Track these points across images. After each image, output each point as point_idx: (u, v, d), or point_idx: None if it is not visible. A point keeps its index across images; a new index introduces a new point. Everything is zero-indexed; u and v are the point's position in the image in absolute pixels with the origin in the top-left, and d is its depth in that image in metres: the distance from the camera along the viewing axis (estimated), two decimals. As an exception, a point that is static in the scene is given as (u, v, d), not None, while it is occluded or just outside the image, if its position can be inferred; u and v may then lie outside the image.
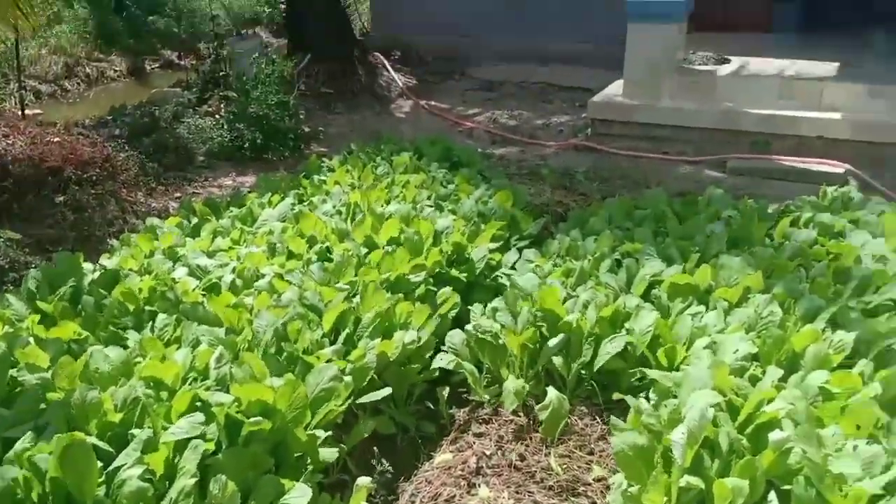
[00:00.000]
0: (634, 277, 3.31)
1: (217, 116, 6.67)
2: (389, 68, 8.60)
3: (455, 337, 3.03)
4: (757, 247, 3.51)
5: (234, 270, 3.35)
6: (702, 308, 2.99)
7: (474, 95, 8.27)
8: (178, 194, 5.38)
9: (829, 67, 6.16)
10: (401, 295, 3.13)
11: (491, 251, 3.69)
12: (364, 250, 3.54)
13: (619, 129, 6.34)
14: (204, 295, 3.15)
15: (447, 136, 6.61)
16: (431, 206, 4.14)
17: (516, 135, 6.83)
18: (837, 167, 5.34)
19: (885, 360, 2.56)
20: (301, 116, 6.65)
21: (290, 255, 3.55)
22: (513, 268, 3.66)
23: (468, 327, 3.01)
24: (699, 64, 6.46)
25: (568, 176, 5.58)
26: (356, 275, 3.27)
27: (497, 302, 3.19)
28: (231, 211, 4.28)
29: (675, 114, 6.13)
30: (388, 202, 4.17)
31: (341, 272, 3.26)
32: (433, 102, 7.94)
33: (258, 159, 6.11)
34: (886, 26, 8.49)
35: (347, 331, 2.85)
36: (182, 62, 11.14)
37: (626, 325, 2.91)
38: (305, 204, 4.26)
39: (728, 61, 6.48)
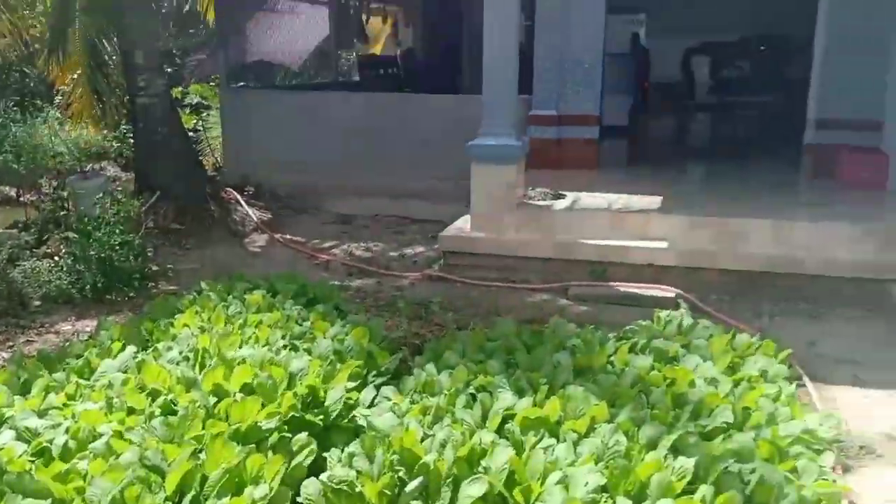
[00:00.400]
0: (489, 412, 3.33)
1: (56, 258, 6.31)
2: (243, 203, 8.55)
3: (310, 487, 2.89)
4: (600, 375, 3.65)
5: (67, 431, 3.08)
6: (553, 441, 3.03)
7: (330, 229, 8.33)
8: (10, 344, 4.97)
9: (653, 200, 6.71)
10: (252, 446, 2.98)
11: (348, 390, 3.61)
12: (213, 399, 3.37)
13: (470, 260, 6.54)
14: (32, 461, 2.86)
15: (303, 270, 6.58)
16: (286, 347, 4.04)
17: (372, 266, 6.88)
18: (668, 292, 5.73)
19: (723, 483, 2.67)
20: (148, 255, 6.42)
21: (132, 411, 3.32)
22: (371, 405, 3.60)
23: (323, 477, 2.89)
24: (538, 199, 6.86)
25: (423, 307, 5.65)
26: (204, 428, 3.09)
27: (354, 446, 3.10)
28: (67, 363, 3.98)
29: (519, 245, 6.42)
30: (240, 345, 4.03)
31: (187, 426, 3.08)
32: (288, 236, 7.92)
33: (100, 301, 5.78)
34: (704, 162, 9.45)
35: (193, 492, 2.66)
36: (22, 198, 10.56)
37: (483, 462, 2.90)
38: (149, 351, 4.04)
39: (563, 196, 6.93)
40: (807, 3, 7.94)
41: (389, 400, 3.58)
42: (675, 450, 2.89)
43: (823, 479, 2.99)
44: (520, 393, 3.51)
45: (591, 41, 8.14)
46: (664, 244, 6.08)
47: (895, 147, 7.06)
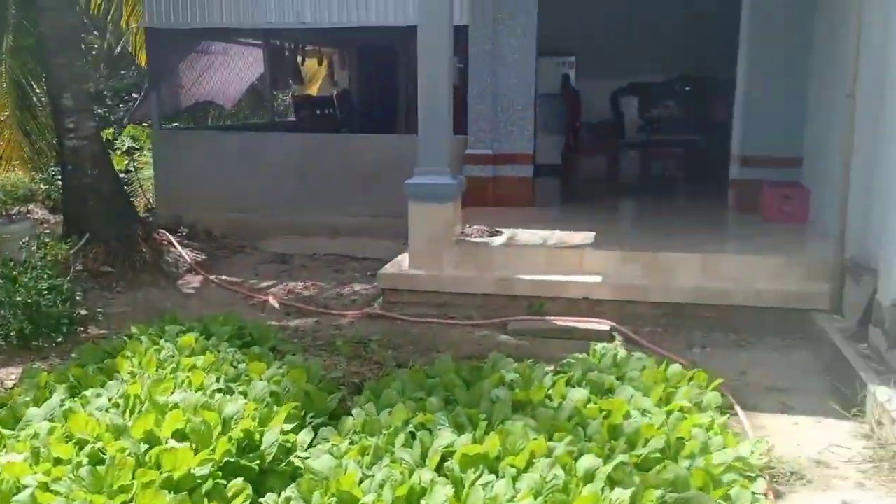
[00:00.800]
0: (428, 450, 3.32)
1: (-21, 305, 6.06)
2: (176, 244, 8.39)
3: (246, 534, 2.83)
4: (538, 409, 3.68)
5: (-11, 484, 2.94)
6: (493, 477, 3.03)
7: (266, 268, 8.22)
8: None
9: (587, 235, 6.85)
10: (185, 494, 2.90)
11: (285, 433, 3.55)
12: (145, 447, 3.26)
13: (409, 297, 6.54)
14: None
15: (239, 310, 6.47)
16: (221, 391, 3.95)
17: (310, 306, 6.81)
18: (603, 325, 5.82)
19: (658, 513, 2.72)
20: (77, 299, 6.22)
21: (58, 461, 3.19)
22: (310, 447, 3.54)
23: (259, 523, 2.83)
24: (475, 236, 6.93)
25: (363, 345, 5.61)
26: (134, 477, 2.99)
27: (291, 490, 3.05)
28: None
29: (457, 282, 6.46)
30: (172, 390, 3.93)
31: (116, 475, 2.97)
32: (224, 277, 7.78)
33: (26, 348, 5.56)
34: (635, 198, 9.71)
35: (123, 544, 2.57)
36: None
37: (423, 501, 2.89)
38: (77, 398, 3.90)
39: (500, 233, 7.01)
40: (728, 46, 8.31)
41: (328, 441, 3.54)
42: (612, 481, 2.92)
43: (756, 505, 3.06)
44: (459, 430, 3.51)
45: (523, 83, 8.36)
46: (598, 278, 6.19)
47: (815, 182, 7.39)
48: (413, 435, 3.49)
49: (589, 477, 2.97)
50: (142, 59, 11.94)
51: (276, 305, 6.81)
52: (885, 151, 4.97)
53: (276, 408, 3.76)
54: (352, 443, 3.49)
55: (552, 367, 4.56)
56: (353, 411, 3.88)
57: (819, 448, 3.88)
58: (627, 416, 3.60)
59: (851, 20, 5.36)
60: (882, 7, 5.12)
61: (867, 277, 5.12)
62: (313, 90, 15.47)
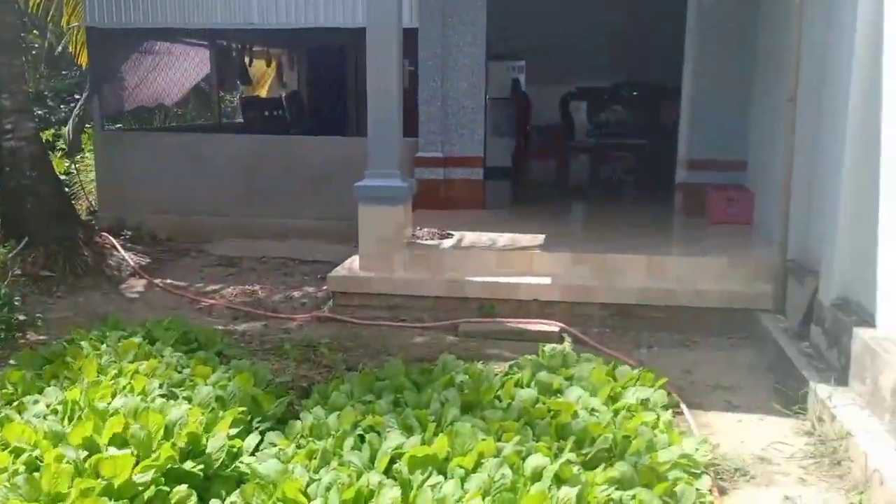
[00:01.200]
0: (377, 453, 3.31)
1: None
2: (119, 247, 8.20)
3: (190, 541, 2.78)
4: (487, 410, 3.70)
5: (-83, 495, 2.83)
6: (441, 478, 3.03)
7: (213, 271, 8.10)
8: None
9: (536, 238, 6.91)
10: (126, 502, 2.83)
11: (231, 438, 3.49)
12: (84, 454, 3.18)
13: (359, 300, 6.50)
14: None
15: (185, 315, 6.36)
16: (164, 396, 3.88)
17: (259, 309, 6.73)
18: (553, 326, 5.88)
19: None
20: (15, 304, 6.04)
21: (-8, 470, 3.09)
22: (255, 452, 3.50)
23: (203, 529, 2.78)
24: (426, 239, 6.94)
25: (312, 349, 5.56)
26: (72, 485, 2.91)
27: (236, 495, 3.01)
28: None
29: (408, 284, 6.44)
30: (113, 395, 3.84)
31: (53, 483, 2.89)
32: (169, 280, 7.64)
33: (-39, 355, 5.39)
34: (584, 201, 9.83)
35: (59, 553, 2.50)
36: None
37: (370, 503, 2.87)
38: (14, 406, 3.78)
39: (451, 235, 7.03)
40: (675, 51, 8.49)
41: (275, 446, 3.50)
42: (559, 480, 2.95)
43: (701, 502, 3.12)
44: (408, 432, 3.51)
45: (473, 86, 8.41)
46: (548, 280, 6.25)
47: (758, 185, 7.58)
48: (362, 438, 3.47)
49: (537, 476, 2.99)
50: (83, 60, 11.68)
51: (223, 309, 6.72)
52: (824, 155, 5.13)
53: (221, 413, 3.69)
54: (299, 447, 3.45)
55: (502, 369, 4.58)
56: (301, 415, 3.85)
57: (762, 445, 3.97)
58: (575, 415, 3.64)
59: (793, 25, 5.51)
60: (824, 4, 5.26)
61: (809, 278, 5.27)
62: (262, 91, 15.33)
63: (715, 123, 7.99)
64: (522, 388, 4.09)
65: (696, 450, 3.51)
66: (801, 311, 5.28)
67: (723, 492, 3.50)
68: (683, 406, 4.43)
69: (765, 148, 7.21)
